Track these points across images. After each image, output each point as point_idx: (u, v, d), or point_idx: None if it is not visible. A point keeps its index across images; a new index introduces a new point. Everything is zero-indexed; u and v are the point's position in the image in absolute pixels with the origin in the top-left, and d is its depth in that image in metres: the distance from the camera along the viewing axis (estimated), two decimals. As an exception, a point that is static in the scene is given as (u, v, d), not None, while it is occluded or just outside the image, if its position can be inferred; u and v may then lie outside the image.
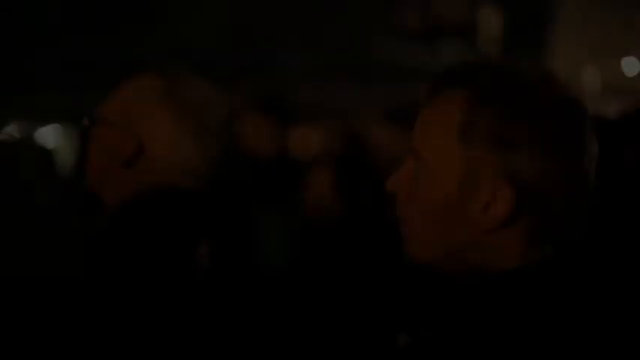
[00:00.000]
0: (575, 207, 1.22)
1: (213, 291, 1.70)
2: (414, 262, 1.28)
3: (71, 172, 4.49)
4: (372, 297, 3.17)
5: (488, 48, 9.58)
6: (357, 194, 3.60)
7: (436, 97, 1.25)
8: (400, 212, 1.28)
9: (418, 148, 1.25)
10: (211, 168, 1.77)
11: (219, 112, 1.79)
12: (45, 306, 1.00)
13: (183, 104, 1.73)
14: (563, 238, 1.23)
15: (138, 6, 24.34)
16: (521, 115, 1.18)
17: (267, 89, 5.28)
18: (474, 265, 1.22)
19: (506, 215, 1.18)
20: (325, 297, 3.40)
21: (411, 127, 1.28)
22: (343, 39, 24.83)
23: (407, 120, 1.86)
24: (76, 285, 1.57)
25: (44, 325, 1.09)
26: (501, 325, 1.16)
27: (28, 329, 1.34)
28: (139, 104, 1.73)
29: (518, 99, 1.19)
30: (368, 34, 24.33)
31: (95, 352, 1.54)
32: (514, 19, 8.84)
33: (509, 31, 9.31)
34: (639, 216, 2.54)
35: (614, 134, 2.49)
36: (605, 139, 1.23)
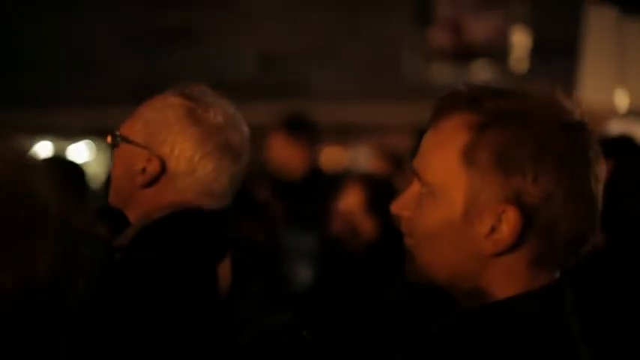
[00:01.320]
0: (582, 230, 1.20)
1: (234, 310, 1.70)
2: (417, 283, 1.27)
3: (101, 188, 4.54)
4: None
5: (518, 69, 9.54)
6: (386, 215, 3.56)
7: (440, 119, 1.24)
8: (405, 235, 1.28)
9: (422, 171, 1.25)
10: (232, 187, 1.78)
11: (240, 132, 1.79)
12: (66, 325, 1.01)
13: (205, 124, 1.74)
14: (570, 262, 1.22)
15: (173, 25, 24.51)
16: (526, 138, 1.17)
17: (299, 109, 5.28)
18: (479, 289, 1.21)
19: (511, 239, 1.17)
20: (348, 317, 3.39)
21: None
22: (374, 58, 24.82)
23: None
24: (96, 302, 1.56)
25: (63, 343, 1.09)
26: (504, 355, 1.15)
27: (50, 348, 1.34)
28: (161, 124, 1.74)
29: (523, 123, 1.18)
30: (398, 54, 24.31)
31: None
32: (543, 41, 8.81)
33: (538, 53, 9.28)
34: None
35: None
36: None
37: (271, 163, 4.90)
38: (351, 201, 3.63)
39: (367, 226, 3.59)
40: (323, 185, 4.69)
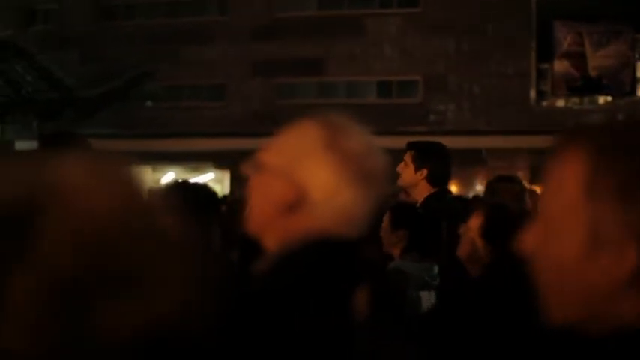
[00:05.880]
0: None
1: (373, 338, 1.70)
2: (551, 324, 1.24)
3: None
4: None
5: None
6: (503, 243, 3.55)
7: (561, 152, 1.23)
8: (533, 272, 1.25)
9: (544, 205, 1.24)
10: (368, 215, 1.78)
11: (378, 160, 1.79)
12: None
13: (343, 152, 1.74)
14: None
15: (300, 55, 24.94)
16: None
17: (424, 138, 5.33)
18: (610, 323, 1.18)
19: (632, 273, 1.14)
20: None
21: None
22: (500, 89, 24.65)
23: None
24: (230, 331, 1.56)
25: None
26: None
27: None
28: (300, 152, 1.75)
29: None
30: (525, 85, 24.08)
31: None
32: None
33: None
34: None
35: None
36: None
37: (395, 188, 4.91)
38: (472, 225, 3.66)
39: (483, 251, 3.60)
40: (444, 211, 4.66)
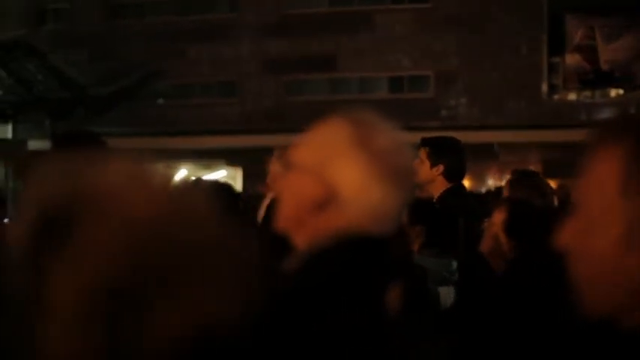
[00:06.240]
0: None
1: (405, 336, 1.69)
2: (588, 317, 1.24)
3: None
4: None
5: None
6: (527, 238, 3.56)
7: (596, 149, 1.23)
8: (570, 267, 1.26)
9: (581, 201, 1.24)
10: (398, 212, 1.79)
11: (407, 157, 1.80)
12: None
13: (372, 149, 1.74)
14: None
15: (311, 52, 24.97)
16: None
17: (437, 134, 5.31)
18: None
19: None
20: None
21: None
22: (512, 83, 24.59)
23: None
24: (265, 332, 1.56)
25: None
26: None
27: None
28: (330, 150, 1.76)
29: None
30: (536, 78, 24.01)
31: None
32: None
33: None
34: None
35: None
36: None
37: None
38: (495, 221, 3.67)
39: (507, 246, 3.62)
40: (461, 207, 4.67)
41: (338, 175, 1.73)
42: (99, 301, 0.93)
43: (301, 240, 1.78)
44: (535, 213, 3.56)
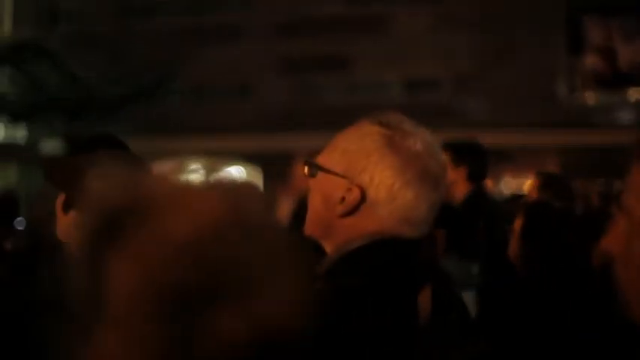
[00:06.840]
0: None
1: (436, 337, 1.70)
2: (634, 320, 1.22)
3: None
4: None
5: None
6: (539, 243, 3.51)
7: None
8: (616, 272, 1.24)
9: (629, 207, 1.22)
10: (429, 216, 1.77)
11: (438, 160, 1.79)
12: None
13: (403, 152, 1.74)
14: None
15: (325, 53, 24.96)
16: None
17: (454, 136, 5.28)
18: None
19: None
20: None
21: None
22: (529, 85, 24.56)
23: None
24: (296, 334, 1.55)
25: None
26: None
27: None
28: (360, 152, 1.75)
29: None
30: (553, 79, 23.95)
31: None
32: None
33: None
34: None
35: None
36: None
37: None
38: (516, 224, 3.66)
39: (532, 250, 3.57)
40: (484, 210, 4.68)
41: (368, 178, 1.73)
42: (160, 300, 0.93)
43: (331, 243, 1.78)
44: (555, 217, 3.54)
